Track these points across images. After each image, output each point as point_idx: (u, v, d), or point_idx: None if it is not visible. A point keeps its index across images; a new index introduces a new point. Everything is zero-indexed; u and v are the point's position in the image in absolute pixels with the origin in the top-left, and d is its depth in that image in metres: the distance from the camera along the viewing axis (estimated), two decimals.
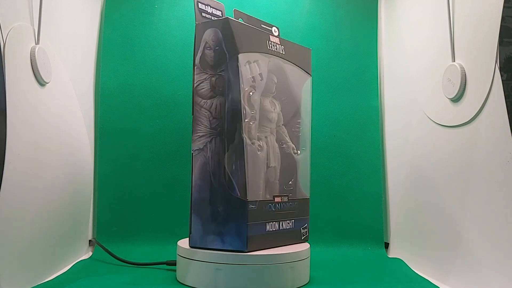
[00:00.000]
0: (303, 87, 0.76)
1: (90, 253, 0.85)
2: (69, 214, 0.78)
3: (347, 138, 0.95)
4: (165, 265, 0.75)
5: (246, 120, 0.65)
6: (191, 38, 0.89)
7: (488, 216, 0.61)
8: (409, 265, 0.81)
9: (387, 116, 0.95)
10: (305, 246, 0.70)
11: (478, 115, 0.64)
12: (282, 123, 0.72)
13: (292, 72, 0.73)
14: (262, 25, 0.76)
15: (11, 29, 0.59)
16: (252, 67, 0.66)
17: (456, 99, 0.69)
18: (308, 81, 0.76)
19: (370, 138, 0.95)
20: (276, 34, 0.77)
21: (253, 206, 0.65)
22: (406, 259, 0.83)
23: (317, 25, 0.97)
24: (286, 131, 0.73)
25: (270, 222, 0.68)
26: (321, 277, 0.72)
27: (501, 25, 0.59)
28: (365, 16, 0.98)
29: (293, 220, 0.72)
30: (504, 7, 0.58)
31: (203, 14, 0.70)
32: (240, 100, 0.64)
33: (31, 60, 0.64)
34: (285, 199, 0.70)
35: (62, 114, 0.75)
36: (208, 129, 0.67)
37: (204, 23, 0.67)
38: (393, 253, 0.90)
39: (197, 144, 0.67)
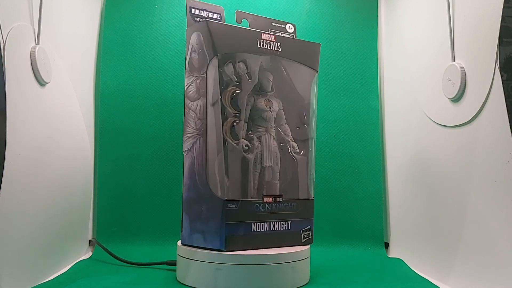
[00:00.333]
0: (311, 84, 0.74)
1: (90, 253, 0.85)
2: (69, 214, 0.78)
3: (347, 138, 0.95)
4: (165, 265, 0.75)
5: (228, 120, 0.66)
6: None
7: (488, 216, 0.61)
8: (409, 265, 0.81)
9: (387, 116, 0.95)
10: (305, 246, 0.70)
11: (478, 115, 0.64)
12: (285, 122, 0.72)
13: (294, 69, 0.73)
14: (272, 24, 0.75)
15: (11, 29, 0.59)
16: (237, 67, 0.68)
17: (456, 99, 0.69)
18: (315, 77, 0.74)
19: (370, 138, 0.95)
20: (291, 31, 0.77)
21: (233, 206, 0.65)
22: (406, 259, 0.83)
23: (317, 25, 0.97)
24: (288, 130, 0.72)
25: (256, 222, 0.67)
26: (321, 277, 0.72)
27: (501, 25, 0.59)
28: (365, 16, 0.98)
29: (289, 222, 0.70)
30: (504, 7, 0.58)
31: (197, 19, 0.71)
32: (219, 101, 0.65)
33: (31, 60, 0.64)
34: (278, 199, 0.69)
35: (62, 114, 0.75)
36: (194, 130, 0.69)
37: (191, 27, 0.70)
38: (393, 253, 0.90)
39: (186, 145, 0.70)
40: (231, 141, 0.66)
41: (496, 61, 0.59)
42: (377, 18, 0.98)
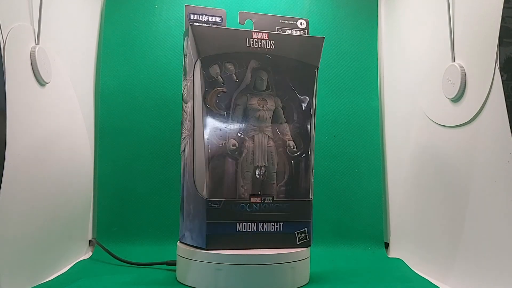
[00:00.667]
0: (310, 80, 0.72)
1: (90, 253, 0.85)
2: (69, 214, 0.78)
3: (347, 138, 0.95)
4: (165, 265, 0.75)
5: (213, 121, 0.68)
6: None
7: (488, 216, 0.61)
8: (409, 265, 0.81)
9: (387, 116, 0.95)
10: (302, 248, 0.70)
11: (478, 115, 0.64)
12: (284, 120, 0.71)
13: (291, 66, 0.71)
14: (281, 21, 0.74)
15: (11, 29, 0.59)
16: (223, 67, 0.69)
17: (456, 99, 0.69)
18: (315, 73, 0.72)
19: (370, 138, 0.95)
20: (303, 26, 0.75)
21: (215, 205, 0.67)
22: (406, 259, 0.83)
23: (317, 25, 0.97)
24: (287, 129, 0.71)
25: (242, 222, 0.67)
26: (321, 277, 0.72)
27: (501, 25, 0.59)
28: (365, 16, 0.98)
29: (281, 223, 0.68)
30: (504, 7, 0.58)
31: (196, 24, 0.71)
32: (200, 102, 0.67)
33: (31, 60, 0.64)
34: (268, 199, 0.69)
35: (62, 114, 0.75)
36: (186, 131, 0.71)
37: (184, 32, 0.71)
38: (393, 253, 0.90)
39: (182, 146, 0.72)
40: (215, 141, 0.68)
41: (496, 61, 0.59)
42: (377, 18, 0.98)
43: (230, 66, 0.69)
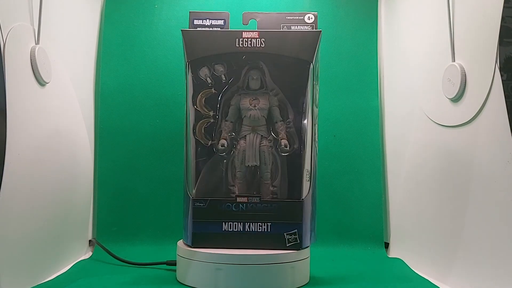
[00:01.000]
0: (304, 76, 0.69)
1: (90, 253, 0.85)
2: (69, 214, 0.78)
3: (347, 138, 0.95)
4: (165, 265, 0.75)
5: (200, 121, 0.70)
6: None
7: (488, 216, 0.61)
8: (409, 265, 0.81)
9: (387, 116, 0.95)
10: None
11: (478, 115, 0.64)
12: (279, 119, 0.70)
13: (282, 63, 0.70)
14: (287, 18, 0.73)
15: (11, 29, 0.59)
16: (212, 69, 0.70)
17: (456, 99, 0.69)
18: (309, 68, 0.69)
19: (370, 138, 0.95)
20: (311, 21, 0.73)
21: (200, 204, 0.68)
22: (406, 259, 0.83)
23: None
24: (282, 127, 0.70)
25: (228, 222, 0.68)
26: (321, 277, 0.72)
27: (501, 25, 0.59)
28: (365, 16, 0.98)
29: (269, 224, 0.67)
30: (504, 7, 0.58)
31: (199, 29, 0.73)
32: (190, 104, 0.70)
33: (31, 60, 0.64)
34: (255, 199, 0.68)
35: (62, 114, 0.75)
36: (186, 133, 0.72)
37: None
38: (393, 253, 0.90)
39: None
40: (201, 142, 0.70)
41: (496, 61, 0.59)
42: (377, 18, 0.98)
43: (219, 67, 0.70)
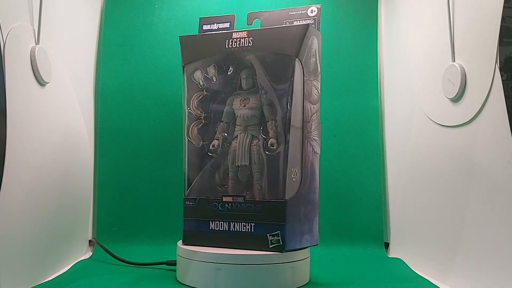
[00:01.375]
0: (290, 71, 0.66)
1: (90, 253, 0.85)
2: (69, 214, 0.78)
3: (347, 138, 0.95)
4: (165, 265, 0.75)
5: (193, 123, 0.72)
6: None
7: (488, 216, 0.61)
8: (409, 265, 0.81)
9: (387, 116, 0.95)
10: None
11: (478, 115, 0.64)
12: (271, 118, 0.68)
13: (268, 60, 0.68)
14: (290, 13, 0.72)
15: (11, 29, 0.59)
16: (204, 72, 0.72)
17: (456, 99, 0.69)
18: (294, 63, 0.66)
19: (370, 138, 0.95)
20: (313, 14, 0.71)
21: (190, 203, 0.70)
22: (406, 259, 0.83)
23: None
24: (272, 126, 0.68)
25: (215, 221, 0.68)
26: (321, 277, 0.72)
27: (501, 25, 0.59)
28: (365, 16, 0.98)
29: (252, 224, 0.66)
30: (504, 7, 0.58)
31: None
32: (185, 106, 0.72)
33: (31, 60, 0.64)
34: (240, 199, 0.68)
35: (62, 114, 0.75)
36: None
37: None
38: (393, 253, 0.90)
39: None
40: (193, 142, 0.72)
41: (496, 61, 0.59)
42: (377, 18, 0.98)
43: (210, 70, 0.71)
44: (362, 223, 0.93)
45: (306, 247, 0.69)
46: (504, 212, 0.58)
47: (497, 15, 0.59)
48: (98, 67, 0.93)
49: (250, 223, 0.67)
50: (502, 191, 0.59)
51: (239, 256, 0.63)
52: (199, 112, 0.72)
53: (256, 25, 0.74)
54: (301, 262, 0.67)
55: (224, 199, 0.68)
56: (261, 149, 0.69)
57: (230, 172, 0.70)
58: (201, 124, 0.72)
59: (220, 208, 0.68)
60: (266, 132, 0.69)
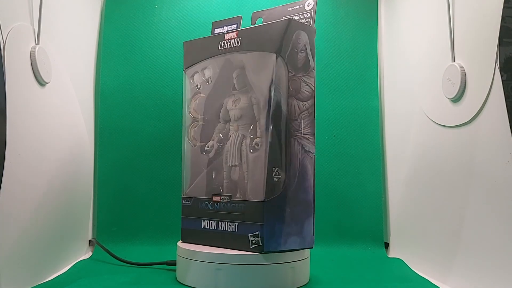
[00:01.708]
0: (271, 68, 0.65)
1: (90, 253, 0.85)
2: (69, 214, 0.78)
3: (347, 138, 0.95)
4: (165, 265, 0.75)
5: (192, 125, 0.74)
6: (191, 38, 0.89)
7: (488, 216, 0.61)
8: (409, 265, 0.81)
9: (387, 116, 0.95)
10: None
11: (478, 115, 0.64)
12: (259, 118, 0.67)
13: (254, 59, 0.67)
14: (289, 9, 0.71)
15: (11, 29, 0.59)
16: (203, 74, 0.73)
17: (456, 99, 0.69)
18: (274, 60, 0.64)
19: (370, 138, 0.95)
20: (309, 7, 0.70)
21: (186, 202, 0.73)
22: (406, 259, 0.83)
23: (317, 25, 0.97)
24: (262, 125, 0.66)
25: (206, 219, 0.70)
26: (321, 277, 0.72)
27: (501, 25, 0.59)
28: (365, 16, 0.98)
29: (236, 224, 0.66)
30: (504, 7, 0.58)
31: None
32: (185, 108, 0.75)
33: (31, 60, 0.64)
34: (226, 199, 0.68)
35: (62, 114, 0.75)
36: None
37: None
38: (393, 253, 0.90)
39: None
40: (191, 143, 0.73)
41: (496, 61, 0.59)
42: (377, 18, 0.98)
43: (206, 72, 0.73)
44: (362, 223, 0.93)
45: (295, 250, 0.66)
46: (504, 212, 0.58)
47: (497, 15, 0.59)
48: (98, 67, 0.93)
49: (235, 222, 0.67)
50: (502, 191, 0.59)
51: (239, 256, 0.63)
52: (197, 114, 0.73)
53: (259, 23, 0.74)
54: (301, 262, 0.67)
55: (213, 198, 0.69)
56: (248, 149, 0.68)
57: (224, 172, 0.70)
58: (200, 125, 0.73)
59: (210, 208, 0.69)
60: (256, 132, 0.68)
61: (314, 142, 0.68)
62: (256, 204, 0.64)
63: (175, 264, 0.72)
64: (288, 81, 0.66)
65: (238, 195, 0.68)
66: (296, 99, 0.67)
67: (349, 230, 0.93)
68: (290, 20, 0.65)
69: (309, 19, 0.69)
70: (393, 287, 0.69)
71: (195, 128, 0.74)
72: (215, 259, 0.64)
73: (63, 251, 0.76)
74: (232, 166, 0.69)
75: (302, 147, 0.67)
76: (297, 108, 0.67)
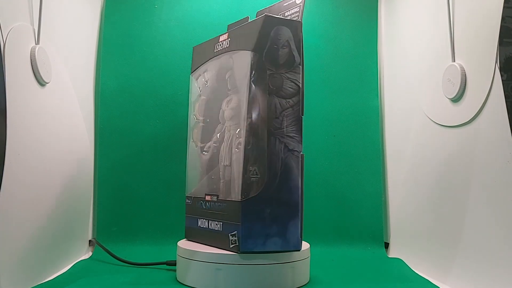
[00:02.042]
0: (248, 66, 0.64)
1: (90, 253, 0.85)
2: (69, 214, 0.78)
3: (347, 138, 0.95)
4: (165, 265, 0.75)
5: (195, 126, 0.75)
6: (191, 38, 0.90)
7: (488, 216, 0.61)
8: (409, 265, 0.81)
9: (387, 116, 0.95)
10: (305, 246, 0.69)
11: (478, 115, 0.64)
12: (247, 117, 0.64)
13: (237, 59, 0.67)
14: (284, 4, 0.70)
15: (11, 29, 0.59)
16: (204, 77, 0.74)
17: (456, 99, 0.69)
18: (251, 57, 0.63)
19: (370, 138, 0.95)
20: (299, 1, 0.68)
21: (188, 201, 0.75)
22: (406, 259, 0.83)
23: (317, 25, 0.97)
24: (242, 125, 0.65)
25: (201, 218, 0.71)
26: (321, 277, 0.72)
27: (501, 25, 0.59)
28: (365, 16, 0.98)
29: (221, 223, 0.66)
30: (504, 7, 0.58)
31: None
32: (190, 111, 0.77)
33: (31, 60, 0.64)
34: (214, 198, 0.68)
35: (62, 114, 0.75)
36: None
37: None
38: (393, 253, 0.90)
39: None
40: (194, 144, 0.75)
41: (496, 61, 0.59)
42: (377, 18, 0.98)
43: (206, 75, 0.74)
44: (362, 223, 0.93)
45: (276, 252, 0.64)
46: (504, 212, 0.58)
47: (497, 15, 0.59)
48: (98, 67, 0.93)
49: (219, 222, 0.67)
50: (502, 191, 0.59)
51: (239, 256, 0.63)
52: (200, 116, 0.74)
53: None
54: (301, 262, 0.67)
55: (206, 198, 0.70)
56: (234, 148, 0.67)
57: (220, 172, 0.70)
58: (202, 126, 0.74)
59: (203, 207, 0.71)
60: (241, 132, 0.66)
61: (301, 141, 0.65)
62: (234, 203, 0.64)
63: (175, 264, 0.71)
64: (268, 79, 0.63)
65: (224, 195, 0.67)
66: (278, 96, 0.64)
67: (349, 230, 0.93)
68: (265, 16, 0.64)
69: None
70: (393, 287, 0.69)
71: (199, 129, 0.75)
72: (215, 259, 0.64)
73: (63, 251, 0.76)
74: (225, 166, 0.69)
75: (285, 146, 0.64)
76: (278, 105, 0.64)
